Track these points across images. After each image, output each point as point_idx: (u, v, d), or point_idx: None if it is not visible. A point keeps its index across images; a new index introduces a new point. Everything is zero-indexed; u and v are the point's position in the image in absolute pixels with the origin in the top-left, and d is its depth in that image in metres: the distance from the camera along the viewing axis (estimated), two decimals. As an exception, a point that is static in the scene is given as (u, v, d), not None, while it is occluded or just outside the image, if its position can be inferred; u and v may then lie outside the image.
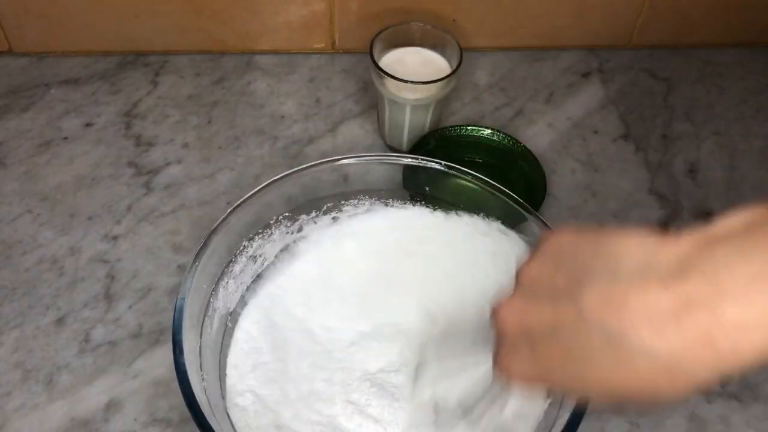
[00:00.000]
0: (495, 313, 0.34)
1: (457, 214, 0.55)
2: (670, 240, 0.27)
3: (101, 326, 0.56)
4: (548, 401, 0.46)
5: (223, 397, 0.49)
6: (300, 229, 0.56)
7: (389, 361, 0.52)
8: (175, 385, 0.53)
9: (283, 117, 0.72)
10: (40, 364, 0.54)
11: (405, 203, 0.57)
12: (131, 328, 0.56)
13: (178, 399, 0.53)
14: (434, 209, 0.56)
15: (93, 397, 0.53)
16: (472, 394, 0.47)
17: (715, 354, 0.25)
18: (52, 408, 0.52)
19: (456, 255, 0.55)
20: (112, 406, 0.52)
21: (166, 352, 0.55)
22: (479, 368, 0.47)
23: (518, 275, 0.34)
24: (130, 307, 0.58)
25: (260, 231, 0.53)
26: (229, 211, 0.50)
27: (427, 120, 0.66)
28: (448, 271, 0.55)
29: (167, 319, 0.57)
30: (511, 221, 0.53)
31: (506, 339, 0.33)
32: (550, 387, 0.33)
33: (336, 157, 0.53)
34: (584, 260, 0.29)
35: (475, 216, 0.54)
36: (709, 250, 0.25)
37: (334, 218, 0.57)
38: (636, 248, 0.28)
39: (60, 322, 0.57)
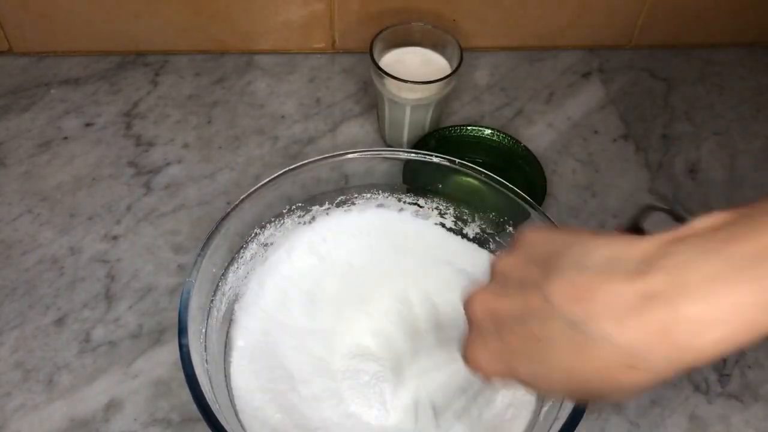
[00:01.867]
0: (467, 302, 0.34)
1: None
2: (637, 239, 0.28)
3: (101, 326, 0.56)
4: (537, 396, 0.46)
5: (227, 380, 0.49)
6: (313, 219, 0.56)
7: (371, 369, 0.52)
8: (176, 385, 0.53)
9: (283, 117, 0.72)
10: (40, 364, 0.54)
11: (417, 199, 0.57)
12: (131, 328, 0.56)
13: (179, 399, 0.53)
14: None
15: (93, 397, 0.53)
16: (449, 391, 0.48)
17: (672, 347, 0.26)
18: (52, 408, 0.52)
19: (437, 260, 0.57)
20: (112, 406, 0.52)
21: (166, 352, 0.55)
22: (454, 365, 0.47)
23: (492, 267, 0.35)
24: (130, 307, 0.58)
25: (273, 219, 0.54)
26: (243, 196, 0.50)
27: (427, 120, 0.66)
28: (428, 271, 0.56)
29: (167, 319, 0.57)
30: (514, 218, 0.53)
31: (475, 327, 0.34)
32: (515, 378, 0.33)
33: (359, 149, 0.54)
34: (555, 253, 0.31)
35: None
36: (674, 248, 0.27)
37: (346, 210, 0.57)
38: (605, 245, 0.29)
39: (60, 322, 0.57)
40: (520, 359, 0.31)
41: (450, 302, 0.54)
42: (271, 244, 0.55)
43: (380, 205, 0.58)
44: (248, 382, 0.50)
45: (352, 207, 0.58)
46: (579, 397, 0.32)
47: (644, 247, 0.28)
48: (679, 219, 0.34)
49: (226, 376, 0.50)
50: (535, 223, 0.33)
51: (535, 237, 0.33)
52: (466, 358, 0.34)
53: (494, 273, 0.34)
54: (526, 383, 0.32)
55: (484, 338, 0.33)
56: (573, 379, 0.29)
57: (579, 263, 0.29)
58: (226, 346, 0.52)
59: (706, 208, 0.70)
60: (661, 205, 0.34)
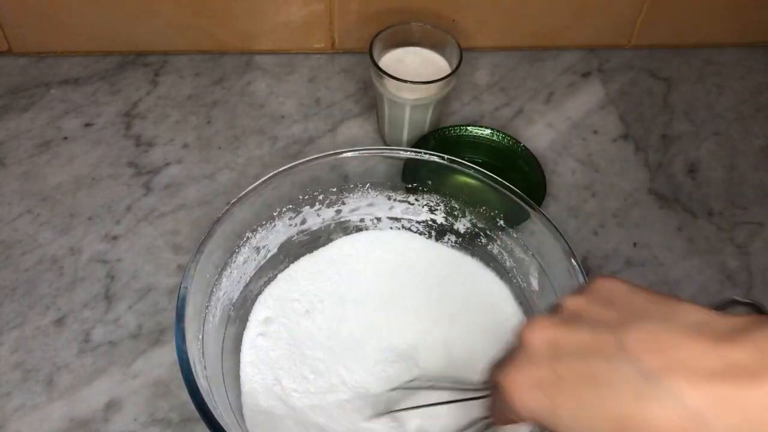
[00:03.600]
0: (525, 327, 0.32)
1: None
2: (727, 313, 0.28)
3: (101, 326, 0.56)
4: None
5: (226, 386, 0.49)
6: (303, 221, 0.56)
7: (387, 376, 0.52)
8: (175, 385, 0.53)
9: (283, 117, 0.72)
10: (40, 364, 0.54)
11: (408, 197, 0.57)
12: (131, 328, 0.56)
13: (179, 399, 0.53)
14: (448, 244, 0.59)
15: (93, 397, 0.53)
16: (455, 426, 0.47)
17: (740, 420, 0.25)
18: (52, 408, 0.52)
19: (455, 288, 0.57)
20: (112, 406, 0.53)
21: (166, 352, 0.55)
22: (465, 405, 0.47)
23: (561, 303, 0.33)
24: (130, 307, 0.58)
25: (264, 222, 0.54)
26: (233, 201, 0.50)
27: (426, 120, 0.66)
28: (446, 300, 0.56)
29: (167, 319, 0.57)
30: (514, 218, 0.53)
31: (526, 353, 0.31)
32: (550, 417, 0.30)
33: (340, 150, 0.54)
34: (638, 306, 0.30)
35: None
36: (764, 327, 0.26)
37: (337, 211, 0.57)
38: (695, 309, 0.29)
39: (60, 322, 0.57)
40: (568, 396, 0.29)
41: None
42: (263, 247, 0.55)
43: (371, 204, 0.58)
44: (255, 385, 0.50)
45: (343, 207, 0.57)
46: None
47: (735, 320, 0.27)
48: (761, 311, 0.33)
49: (223, 376, 0.50)
50: (612, 277, 0.33)
51: (613, 285, 0.32)
52: (503, 380, 0.31)
53: (564, 308, 0.32)
54: (560, 428, 0.30)
55: (533, 365, 0.31)
56: (618, 427, 0.28)
57: (665, 319, 0.28)
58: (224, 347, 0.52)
59: (706, 207, 0.70)
60: (744, 299, 0.33)
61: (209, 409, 0.41)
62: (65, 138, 0.69)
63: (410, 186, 0.57)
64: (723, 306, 0.32)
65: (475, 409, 0.42)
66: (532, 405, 0.30)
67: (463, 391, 0.45)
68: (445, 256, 0.58)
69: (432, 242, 0.59)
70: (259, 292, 0.55)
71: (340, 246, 0.58)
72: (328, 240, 0.59)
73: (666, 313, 0.29)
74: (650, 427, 0.27)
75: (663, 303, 0.30)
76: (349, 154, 0.54)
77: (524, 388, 0.31)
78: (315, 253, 0.58)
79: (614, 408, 0.28)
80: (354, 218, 0.59)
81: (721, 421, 0.25)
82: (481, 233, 0.57)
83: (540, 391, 0.30)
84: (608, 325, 0.29)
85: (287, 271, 0.57)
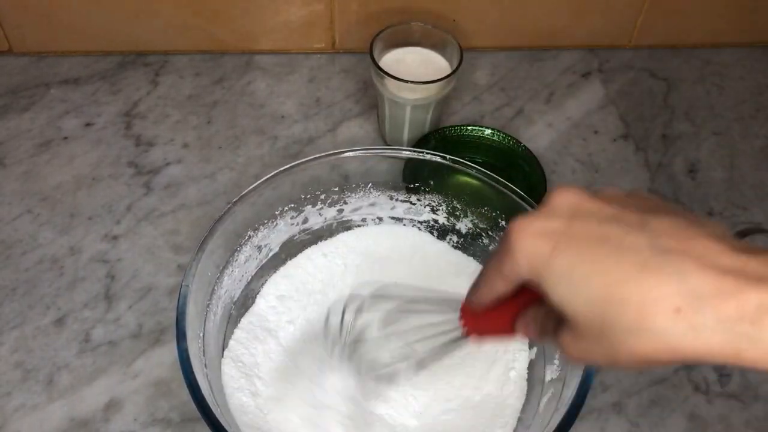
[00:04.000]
0: (559, 187, 0.31)
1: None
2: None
3: (101, 326, 0.56)
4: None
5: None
6: (305, 221, 0.56)
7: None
8: (176, 384, 0.53)
9: (283, 117, 0.72)
10: (40, 364, 0.54)
11: (410, 196, 0.57)
12: (131, 328, 0.56)
13: (179, 399, 0.53)
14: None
15: (93, 397, 0.53)
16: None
17: (735, 315, 0.25)
18: (52, 408, 0.52)
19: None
20: (112, 406, 0.52)
21: (166, 351, 0.55)
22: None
23: (600, 189, 0.32)
24: (130, 307, 0.58)
25: (266, 221, 0.54)
26: (234, 200, 0.50)
27: (427, 120, 0.66)
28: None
29: (167, 318, 0.57)
30: (514, 218, 0.53)
31: (547, 208, 0.30)
32: (545, 266, 0.29)
33: (340, 150, 0.54)
34: (667, 211, 0.29)
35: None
36: None
37: (339, 210, 0.57)
38: (720, 226, 0.28)
39: (60, 322, 0.57)
40: (572, 247, 0.28)
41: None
42: (265, 245, 0.55)
43: (372, 204, 0.58)
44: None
45: (345, 206, 0.57)
46: (587, 333, 0.28)
47: (755, 245, 0.27)
48: None
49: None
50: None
51: (645, 195, 0.32)
52: (511, 226, 0.31)
53: (601, 190, 0.31)
54: (551, 279, 0.29)
55: (547, 218, 0.30)
56: (605, 299, 0.27)
57: (690, 223, 0.28)
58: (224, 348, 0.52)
59: (706, 207, 0.70)
60: (761, 227, 0.32)
61: (210, 408, 0.41)
62: (65, 138, 0.69)
63: (411, 186, 0.57)
64: (746, 232, 0.31)
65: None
66: (530, 248, 0.29)
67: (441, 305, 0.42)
68: (450, 253, 0.58)
69: (435, 239, 0.59)
70: (260, 291, 0.55)
71: (344, 240, 0.58)
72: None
73: (694, 221, 0.28)
74: (644, 298, 0.26)
75: (693, 216, 0.29)
76: (350, 154, 0.54)
77: (529, 234, 0.30)
78: (315, 246, 0.58)
79: (614, 269, 0.27)
80: (356, 218, 0.59)
81: (714, 309, 0.25)
82: (483, 234, 0.57)
83: (545, 238, 0.29)
84: (636, 208, 0.29)
85: (288, 264, 0.57)
